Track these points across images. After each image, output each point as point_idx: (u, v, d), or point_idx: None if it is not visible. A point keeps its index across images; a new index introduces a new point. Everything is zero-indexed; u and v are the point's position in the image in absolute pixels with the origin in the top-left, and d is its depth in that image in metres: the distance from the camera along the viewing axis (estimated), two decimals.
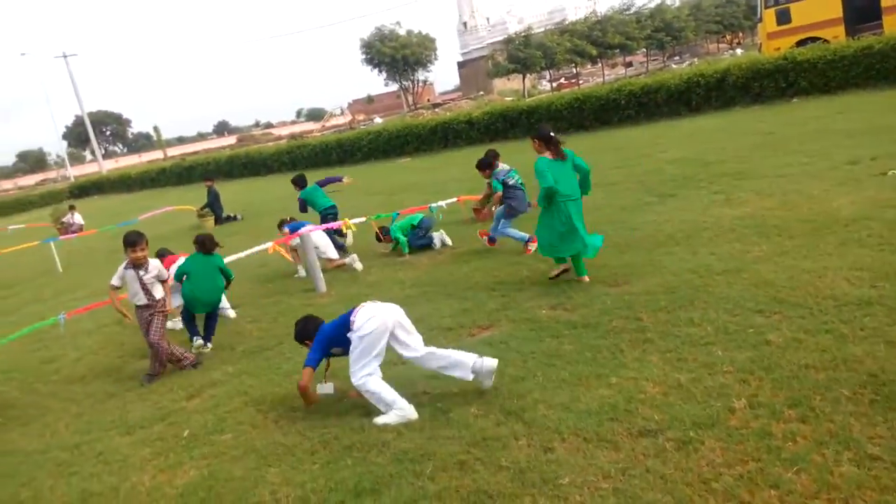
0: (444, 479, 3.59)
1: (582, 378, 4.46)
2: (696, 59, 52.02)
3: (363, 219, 9.19)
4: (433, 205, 9.85)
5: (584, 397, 4.19)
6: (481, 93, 62.83)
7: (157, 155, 77.92)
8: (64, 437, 5.29)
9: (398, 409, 4.44)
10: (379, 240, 9.61)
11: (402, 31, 69.58)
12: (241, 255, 8.18)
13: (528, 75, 56.04)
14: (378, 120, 60.61)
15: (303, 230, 8.21)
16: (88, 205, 31.71)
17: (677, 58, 64.23)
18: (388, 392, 4.50)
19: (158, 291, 6.25)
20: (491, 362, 4.51)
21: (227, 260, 7.79)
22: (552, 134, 6.33)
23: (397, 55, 69.66)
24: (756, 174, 9.62)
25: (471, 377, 4.52)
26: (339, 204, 10.80)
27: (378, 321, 4.54)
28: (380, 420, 4.45)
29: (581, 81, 56.34)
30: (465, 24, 78.76)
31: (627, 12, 54.48)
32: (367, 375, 4.50)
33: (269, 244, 8.62)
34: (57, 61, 62.42)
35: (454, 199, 10.24)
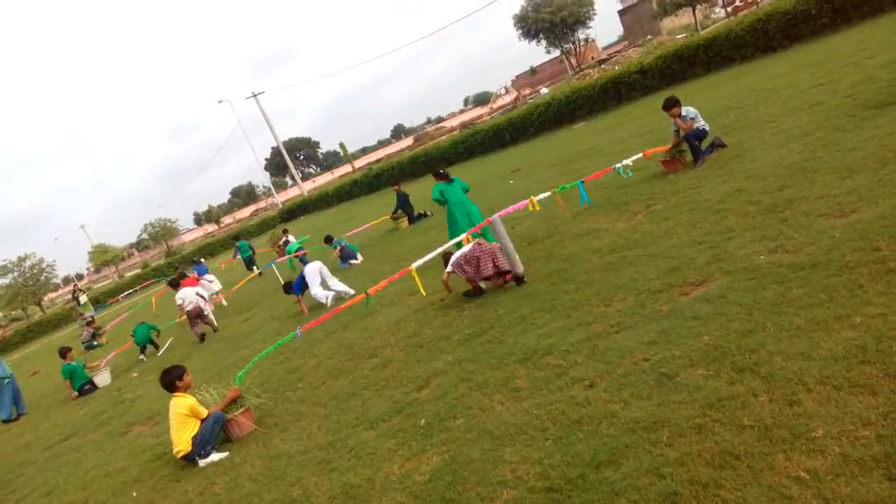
0: (683, 444, 3.47)
1: (819, 322, 4.08)
2: None
3: (548, 193, 9.12)
4: (618, 165, 9.54)
5: (826, 343, 3.84)
6: (648, 37, 59.60)
7: (346, 169, 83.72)
8: (318, 438, 5.88)
9: (330, 299, 11.09)
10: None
11: None
12: (439, 250, 8.51)
13: (698, 6, 52.20)
14: (544, 90, 59.86)
15: (491, 219, 8.33)
16: (297, 225, 34.83)
17: None
18: (323, 295, 11.21)
19: None
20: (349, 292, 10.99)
21: (427, 257, 8.18)
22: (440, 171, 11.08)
23: (555, 19, 68.26)
24: None
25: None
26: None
27: (312, 267, 11.42)
28: (327, 304, 11.01)
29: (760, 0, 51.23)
30: None
31: None
32: (317, 290, 11.26)
33: (463, 236, 8.90)
34: (248, 101, 68.99)
35: (640, 155, 9.82)
